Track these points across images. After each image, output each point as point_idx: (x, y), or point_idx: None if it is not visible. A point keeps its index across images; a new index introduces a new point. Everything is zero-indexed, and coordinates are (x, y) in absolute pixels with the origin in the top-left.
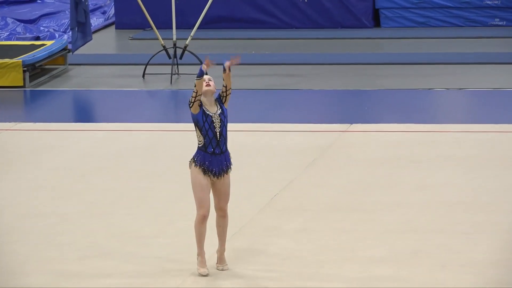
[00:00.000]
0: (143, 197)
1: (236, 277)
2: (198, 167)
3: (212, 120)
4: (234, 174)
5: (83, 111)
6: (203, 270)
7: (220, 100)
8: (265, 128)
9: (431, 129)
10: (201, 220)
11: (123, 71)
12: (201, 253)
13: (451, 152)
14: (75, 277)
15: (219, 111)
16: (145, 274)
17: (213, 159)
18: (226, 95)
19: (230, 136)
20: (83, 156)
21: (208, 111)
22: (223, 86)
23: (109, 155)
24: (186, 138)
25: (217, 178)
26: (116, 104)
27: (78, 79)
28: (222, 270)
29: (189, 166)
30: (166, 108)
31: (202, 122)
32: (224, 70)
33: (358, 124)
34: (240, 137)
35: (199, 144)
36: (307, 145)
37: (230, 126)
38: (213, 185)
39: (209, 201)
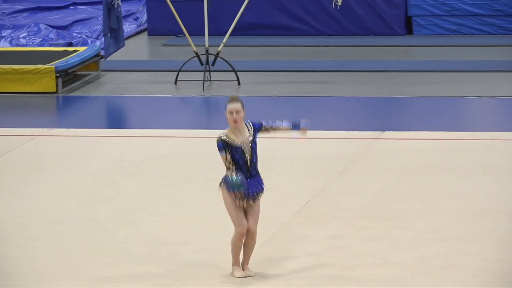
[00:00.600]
0: (174, 203)
1: (268, 281)
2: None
3: (242, 150)
4: (266, 181)
5: (115, 117)
6: (240, 273)
7: (257, 128)
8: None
9: (462, 137)
10: (239, 238)
11: (155, 77)
12: (236, 263)
13: (482, 160)
14: (105, 282)
15: (250, 138)
16: (175, 279)
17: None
18: (268, 132)
19: (261, 143)
20: (115, 162)
21: (235, 141)
22: (272, 128)
23: (141, 161)
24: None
25: (250, 201)
26: (148, 111)
27: (110, 85)
28: (249, 276)
29: (219, 187)
30: (198, 115)
31: (233, 154)
32: (295, 127)
33: (389, 132)
34: (271, 144)
35: (227, 168)
36: (338, 153)
37: (260, 133)
38: (246, 209)
39: (244, 218)
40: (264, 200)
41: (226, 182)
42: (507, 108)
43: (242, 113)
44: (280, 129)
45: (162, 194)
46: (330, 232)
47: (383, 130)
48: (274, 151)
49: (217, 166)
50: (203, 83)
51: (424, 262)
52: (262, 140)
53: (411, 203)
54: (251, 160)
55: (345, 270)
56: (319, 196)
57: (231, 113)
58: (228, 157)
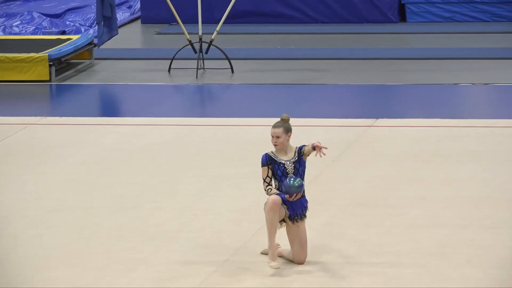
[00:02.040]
0: (168, 192)
1: (263, 269)
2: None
3: (285, 167)
4: (258, 169)
5: (108, 106)
6: (274, 264)
7: (300, 150)
8: (291, 122)
9: (456, 124)
10: (271, 207)
11: (148, 65)
12: (272, 245)
13: (477, 147)
14: (100, 270)
15: (294, 159)
16: (170, 267)
17: (288, 202)
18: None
19: (256, 130)
20: (109, 150)
21: (278, 158)
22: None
23: (135, 150)
24: (212, 133)
25: (291, 222)
26: (141, 99)
27: (103, 74)
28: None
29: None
30: (192, 103)
31: (275, 171)
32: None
33: (383, 119)
34: (264, 132)
35: (266, 188)
36: (333, 140)
37: (255, 120)
38: (289, 231)
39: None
40: (258, 188)
41: (284, 186)
42: (501, 95)
43: (282, 138)
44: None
45: (158, 182)
46: (325, 219)
47: (378, 117)
48: (268, 138)
49: (212, 154)
50: (197, 71)
51: (420, 249)
52: (257, 128)
53: (407, 191)
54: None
55: (341, 258)
56: (314, 183)
57: (272, 137)
58: (270, 173)
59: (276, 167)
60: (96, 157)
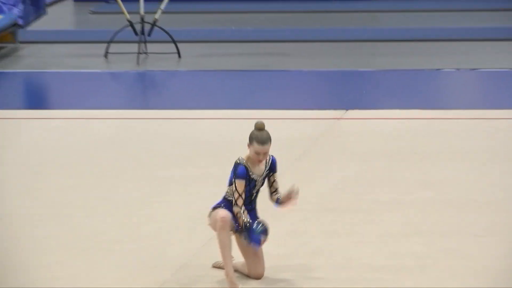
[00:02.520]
0: (105, 197)
1: (216, 284)
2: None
3: (255, 184)
4: (211, 170)
5: (35, 96)
6: None
7: (273, 169)
8: (246, 115)
9: (438, 116)
10: (222, 227)
11: (82, 49)
12: (229, 270)
13: (461, 143)
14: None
15: (264, 173)
16: (107, 284)
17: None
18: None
19: (207, 125)
20: (36, 148)
21: (254, 174)
22: (276, 184)
23: (65, 148)
24: (155, 128)
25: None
26: (74, 88)
27: (30, 59)
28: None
29: (208, 215)
30: (132, 93)
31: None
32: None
33: (354, 111)
34: (217, 126)
35: (228, 196)
36: (295, 135)
37: (203, 113)
38: (241, 245)
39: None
40: (211, 191)
41: (245, 230)
42: (490, 81)
43: (268, 152)
44: (273, 197)
45: (92, 186)
46: (286, 227)
47: (347, 108)
48: (224, 134)
49: (155, 153)
50: (138, 56)
51: (396, 261)
52: (207, 122)
53: (380, 194)
54: (255, 194)
55: (305, 272)
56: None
57: (258, 154)
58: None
59: (248, 183)
60: (18, 157)
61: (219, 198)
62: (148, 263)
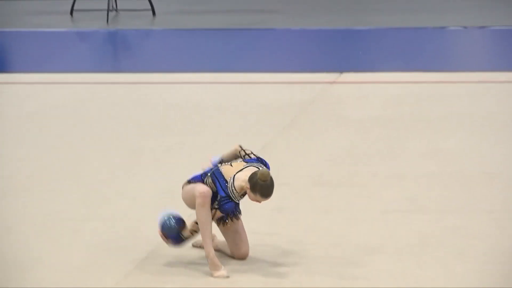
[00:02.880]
0: (70, 170)
1: (189, 272)
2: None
3: (238, 205)
4: (188, 140)
5: None
6: (219, 273)
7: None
8: (229, 79)
9: (443, 79)
10: (202, 203)
11: (45, 6)
12: (210, 250)
13: (469, 109)
14: None
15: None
16: (74, 267)
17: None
18: None
19: (184, 90)
20: None
21: (236, 199)
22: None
23: (24, 116)
24: (127, 93)
25: (222, 223)
26: (35, 50)
27: None
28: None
29: (183, 187)
30: (101, 55)
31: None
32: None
33: (349, 73)
34: (197, 91)
35: (206, 181)
36: (284, 101)
37: (179, 76)
38: (223, 228)
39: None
40: (191, 163)
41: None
42: (501, 41)
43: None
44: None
45: (55, 158)
46: (274, 203)
47: (341, 71)
48: (203, 100)
49: (126, 121)
50: (107, 13)
51: (396, 240)
52: (187, 86)
53: (378, 166)
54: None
55: (294, 251)
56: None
57: (259, 201)
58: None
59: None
60: None
61: (194, 171)
62: (119, 243)
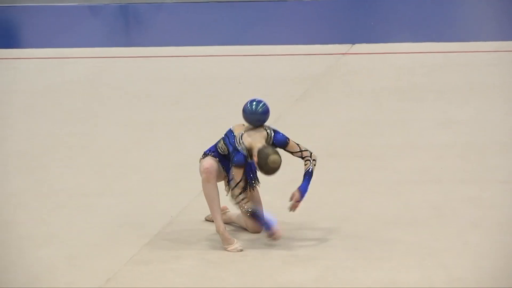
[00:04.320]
0: (83, 145)
1: (204, 244)
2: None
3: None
4: (200, 112)
5: (3, 35)
6: (233, 247)
7: (278, 144)
8: (241, 52)
9: (456, 49)
10: (207, 177)
11: None
12: (220, 225)
13: (483, 79)
14: (1, 247)
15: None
16: (87, 243)
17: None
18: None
19: (196, 63)
20: (6, 92)
21: (250, 158)
22: (307, 153)
23: (39, 91)
24: (139, 67)
25: (251, 188)
26: (47, 25)
27: None
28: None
29: (200, 160)
30: (113, 28)
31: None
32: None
33: (361, 45)
34: (209, 64)
35: (219, 149)
36: (296, 73)
37: (191, 49)
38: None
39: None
40: (202, 136)
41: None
42: None
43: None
44: (309, 162)
45: (70, 133)
46: (285, 176)
47: (353, 42)
48: (215, 73)
49: (139, 94)
50: None
51: (409, 211)
52: (197, 60)
53: (392, 137)
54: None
55: (308, 225)
56: None
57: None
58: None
59: (247, 168)
60: None
61: (208, 144)
62: (132, 218)
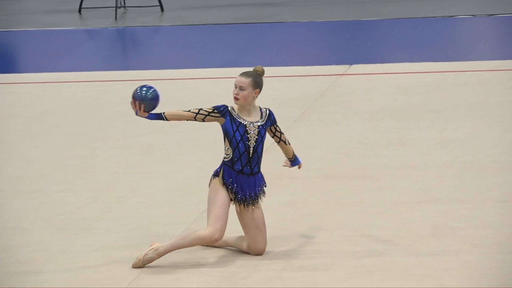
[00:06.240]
0: (81, 168)
1: (203, 266)
2: (220, 180)
3: (246, 130)
4: (199, 135)
5: (2, 59)
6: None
7: (272, 119)
8: (238, 73)
9: (452, 69)
10: (206, 240)
11: (53, 4)
12: (164, 252)
13: (480, 98)
14: None
15: (259, 122)
16: (86, 267)
17: (240, 179)
18: (274, 136)
19: (193, 85)
20: (3, 117)
21: (240, 118)
22: (283, 136)
23: (37, 115)
24: None
25: (243, 206)
26: (44, 49)
27: None
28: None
29: (210, 181)
30: (110, 52)
31: (232, 132)
32: (295, 161)
33: (358, 65)
34: (207, 86)
35: (225, 157)
36: (293, 95)
37: (188, 72)
38: (241, 217)
39: (226, 223)
40: (202, 159)
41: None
42: (510, 28)
43: (247, 92)
44: (284, 146)
45: (67, 157)
46: (286, 197)
47: (351, 63)
48: (213, 95)
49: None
50: (116, 10)
51: (409, 231)
52: (196, 82)
53: (390, 157)
54: (254, 149)
55: (306, 246)
56: (270, 151)
57: (235, 86)
58: (211, 119)
59: (234, 127)
60: None
61: (206, 167)
62: (131, 242)
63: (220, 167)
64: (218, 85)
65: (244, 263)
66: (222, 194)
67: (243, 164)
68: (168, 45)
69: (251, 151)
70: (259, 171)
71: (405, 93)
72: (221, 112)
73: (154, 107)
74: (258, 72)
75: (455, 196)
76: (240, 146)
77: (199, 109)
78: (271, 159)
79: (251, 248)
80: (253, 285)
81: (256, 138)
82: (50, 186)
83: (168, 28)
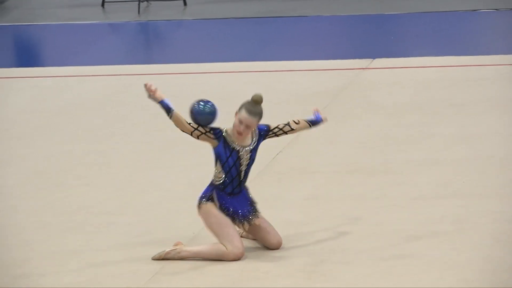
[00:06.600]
0: (103, 162)
1: (228, 264)
2: (216, 204)
3: (239, 156)
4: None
5: (24, 53)
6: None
7: (263, 134)
8: (260, 67)
9: (475, 63)
10: (231, 258)
11: None
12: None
13: (502, 92)
14: (20, 267)
15: (251, 146)
16: (109, 262)
17: (231, 200)
18: (278, 136)
19: (215, 79)
20: (25, 111)
21: (233, 143)
22: (287, 126)
23: (58, 109)
24: (159, 84)
25: (248, 224)
26: (68, 43)
27: (18, 11)
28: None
29: (198, 207)
30: (133, 46)
31: (225, 158)
32: (314, 123)
33: (381, 59)
34: (229, 81)
35: (215, 181)
36: (315, 89)
37: (210, 66)
38: (251, 234)
39: (239, 235)
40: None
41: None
42: None
43: (252, 129)
44: (296, 130)
45: (89, 151)
46: (307, 191)
47: (373, 57)
48: (235, 89)
49: (158, 111)
50: (139, 4)
51: (430, 226)
52: (216, 76)
53: (412, 152)
54: (245, 172)
55: (328, 241)
56: (292, 146)
57: (241, 122)
58: (205, 138)
59: (228, 153)
60: (8, 121)
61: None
62: (152, 236)
63: (210, 191)
64: (240, 79)
65: (266, 258)
66: (222, 216)
67: (234, 187)
68: (190, 39)
69: (242, 175)
70: (246, 188)
71: (427, 87)
72: (216, 135)
73: (211, 122)
74: (258, 103)
75: (477, 191)
76: (232, 170)
77: (198, 126)
78: (293, 153)
79: (269, 246)
80: (275, 279)
81: (248, 162)
82: (70, 181)
83: (190, 22)
